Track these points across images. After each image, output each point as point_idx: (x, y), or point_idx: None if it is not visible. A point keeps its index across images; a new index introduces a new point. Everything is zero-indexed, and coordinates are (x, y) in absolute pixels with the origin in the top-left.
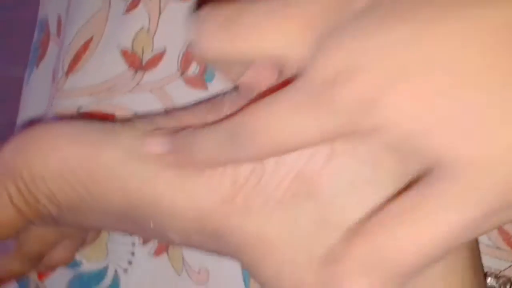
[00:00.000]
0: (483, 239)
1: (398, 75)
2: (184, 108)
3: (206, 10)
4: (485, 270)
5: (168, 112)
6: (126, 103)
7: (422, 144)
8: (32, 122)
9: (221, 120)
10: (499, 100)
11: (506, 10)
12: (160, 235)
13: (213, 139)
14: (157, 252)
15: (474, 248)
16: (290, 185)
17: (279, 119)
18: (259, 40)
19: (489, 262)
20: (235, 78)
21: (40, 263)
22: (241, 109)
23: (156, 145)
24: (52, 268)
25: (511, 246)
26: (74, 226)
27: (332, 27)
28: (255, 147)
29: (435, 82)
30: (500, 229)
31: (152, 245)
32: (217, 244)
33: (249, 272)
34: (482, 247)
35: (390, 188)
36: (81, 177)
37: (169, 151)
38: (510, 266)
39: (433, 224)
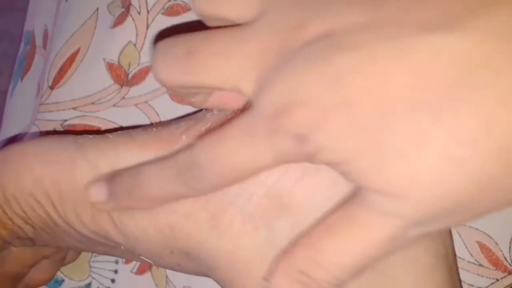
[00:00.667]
0: (465, 256)
1: (327, 111)
2: (163, 124)
3: (165, 42)
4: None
5: (145, 128)
6: (111, 117)
7: (344, 170)
8: (11, 141)
9: (167, 156)
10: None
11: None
12: (135, 258)
13: (159, 177)
14: (141, 271)
15: (451, 268)
16: (261, 201)
17: (228, 150)
18: (214, 73)
19: (471, 279)
20: (195, 104)
21: (19, 284)
22: (189, 144)
23: (96, 194)
24: None
25: (493, 264)
26: (51, 246)
27: (280, 59)
28: (208, 180)
29: (356, 119)
30: (483, 247)
31: (136, 263)
32: (190, 263)
33: None
34: (464, 264)
35: None
36: (52, 197)
37: (109, 197)
38: (492, 284)
39: (351, 242)
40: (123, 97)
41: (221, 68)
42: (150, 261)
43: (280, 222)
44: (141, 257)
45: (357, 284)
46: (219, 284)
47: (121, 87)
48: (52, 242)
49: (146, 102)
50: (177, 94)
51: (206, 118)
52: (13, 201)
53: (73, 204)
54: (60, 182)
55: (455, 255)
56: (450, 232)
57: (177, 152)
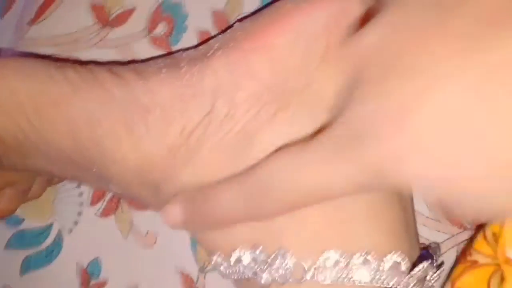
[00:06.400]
0: (424, 211)
1: (413, 140)
2: (142, 61)
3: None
4: (425, 242)
5: (126, 63)
6: (89, 57)
7: None
8: None
9: (239, 175)
10: None
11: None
12: (103, 185)
13: (231, 200)
14: (105, 213)
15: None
16: (234, 136)
17: (305, 171)
18: None
19: (428, 234)
20: None
21: None
22: (261, 162)
23: (174, 215)
24: None
25: (450, 220)
26: (19, 168)
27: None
28: (280, 202)
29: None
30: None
31: (101, 206)
32: (154, 196)
33: None
34: (422, 219)
35: None
36: (27, 111)
37: (186, 219)
38: (447, 239)
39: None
40: (103, 38)
41: None
42: (117, 189)
43: (242, 154)
44: (110, 185)
45: (315, 217)
46: None
47: (103, 27)
48: (20, 163)
49: (126, 44)
50: None
51: (181, 57)
52: None
53: (51, 118)
54: (37, 96)
55: (411, 199)
56: None
57: (247, 171)
